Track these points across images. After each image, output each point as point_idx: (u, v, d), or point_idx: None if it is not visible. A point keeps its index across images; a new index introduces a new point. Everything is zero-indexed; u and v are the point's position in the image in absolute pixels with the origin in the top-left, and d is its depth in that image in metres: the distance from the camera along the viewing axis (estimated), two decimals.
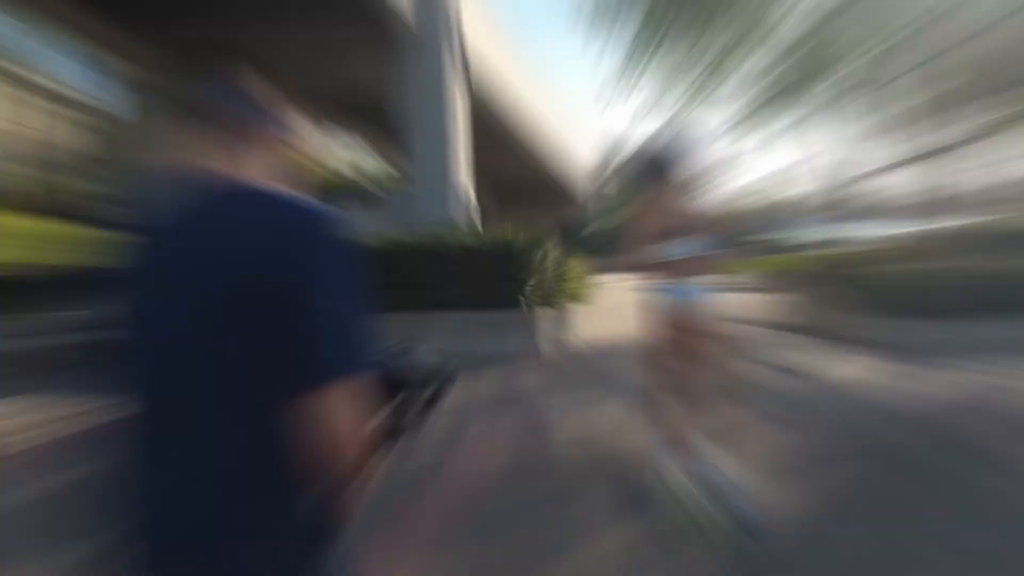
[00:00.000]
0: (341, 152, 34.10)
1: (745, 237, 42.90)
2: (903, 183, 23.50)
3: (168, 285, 1.29)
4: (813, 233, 31.89)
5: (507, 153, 28.72)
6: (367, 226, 14.37)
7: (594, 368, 8.76)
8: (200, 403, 1.24)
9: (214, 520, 1.23)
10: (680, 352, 4.16)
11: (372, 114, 17.86)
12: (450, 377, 1.59)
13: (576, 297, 12.89)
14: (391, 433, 1.48)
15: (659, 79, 14.72)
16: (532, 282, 10.10)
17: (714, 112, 17.27)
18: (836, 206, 29.26)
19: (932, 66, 14.95)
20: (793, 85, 16.17)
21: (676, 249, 4.13)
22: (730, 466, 4.07)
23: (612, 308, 15.09)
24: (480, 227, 11.75)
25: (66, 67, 21.22)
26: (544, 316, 10.30)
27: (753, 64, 15.87)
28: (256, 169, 1.46)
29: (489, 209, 16.76)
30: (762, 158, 48.41)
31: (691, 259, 4.13)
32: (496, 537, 4.04)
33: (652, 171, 4.28)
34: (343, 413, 1.22)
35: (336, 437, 1.22)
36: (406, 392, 1.52)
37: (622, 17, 12.69)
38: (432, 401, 1.55)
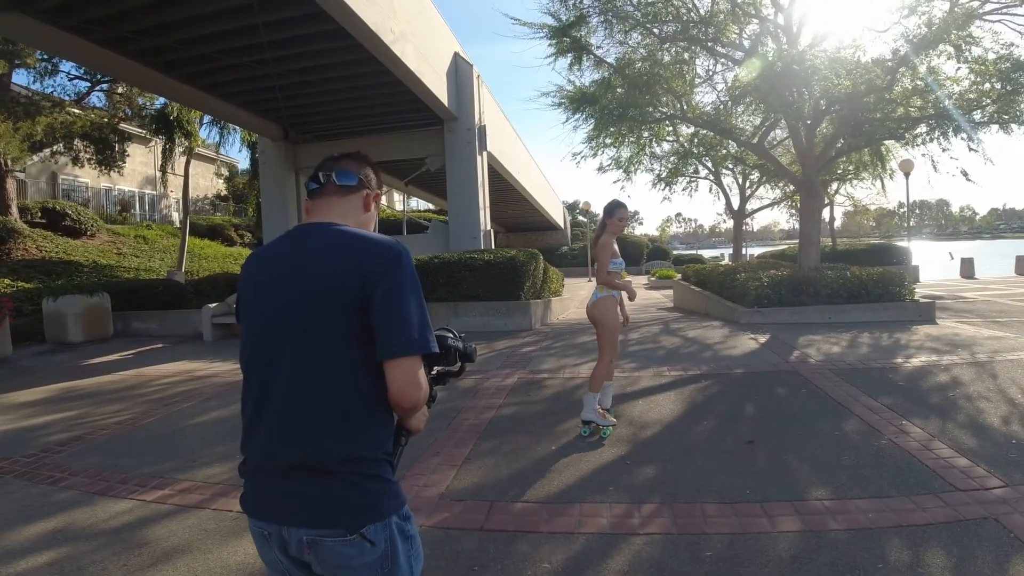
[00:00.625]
0: (409, 200, 34.88)
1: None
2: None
3: (284, 288, 1.31)
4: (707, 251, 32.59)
5: (510, 199, 29.62)
6: (422, 247, 15.39)
7: (563, 334, 9.56)
8: (318, 361, 1.25)
9: (335, 429, 1.25)
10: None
11: (426, 175, 18.62)
12: (470, 356, 1.55)
13: (555, 292, 13.52)
14: (434, 387, 1.45)
15: (611, 150, 14.72)
16: (528, 284, 10.67)
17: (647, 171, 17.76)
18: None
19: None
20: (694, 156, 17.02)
21: (617, 264, 4.51)
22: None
23: (574, 299, 16.20)
24: (494, 248, 12.42)
25: (213, 137, 21.41)
26: (535, 305, 10.66)
27: (666, 145, 16.69)
28: (351, 218, 1.44)
29: (500, 237, 17.28)
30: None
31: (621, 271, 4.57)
32: (512, 430, 5.27)
33: (608, 214, 4.60)
34: (407, 375, 1.23)
35: (404, 388, 1.23)
36: (442, 363, 1.49)
37: (583, 110, 13.00)
38: (460, 371, 1.55)
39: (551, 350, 8.17)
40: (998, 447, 3.94)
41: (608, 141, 13.78)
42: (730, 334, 8.67)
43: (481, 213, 15.41)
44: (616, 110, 12.02)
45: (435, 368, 1.48)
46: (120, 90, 18.65)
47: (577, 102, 12.67)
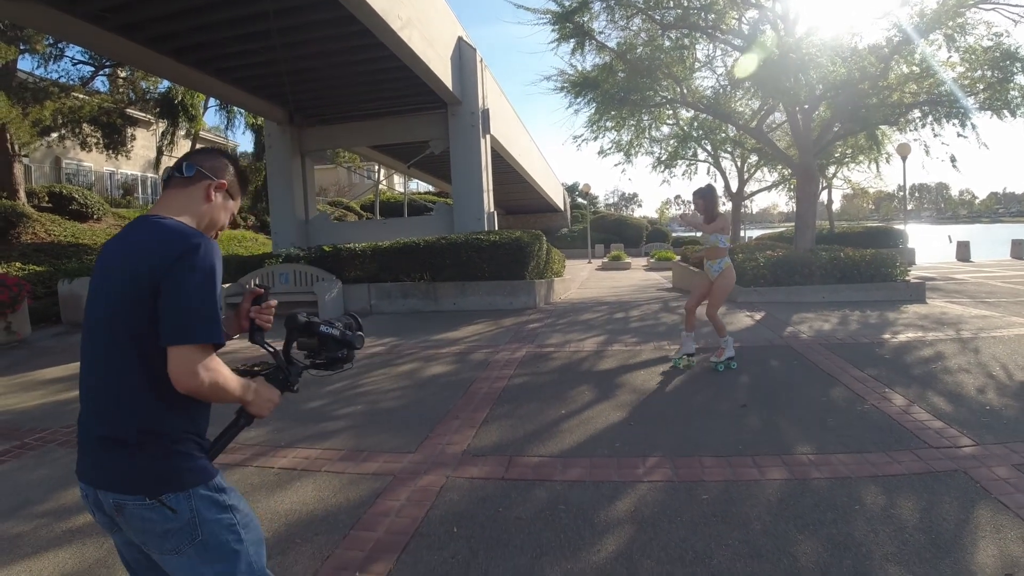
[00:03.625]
0: (410, 182, 35.04)
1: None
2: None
3: (100, 278, 1.41)
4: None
5: (511, 182, 29.76)
6: (428, 229, 15.65)
7: (567, 312, 9.85)
8: (118, 343, 1.35)
9: (125, 407, 1.36)
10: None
11: (428, 158, 18.73)
12: (352, 343, 1.66)
13: (557, 273, 13.83)
14: (302, 372, 1.62)
15: (612, 133, 14.81)
16: (532, 264, 10.88)
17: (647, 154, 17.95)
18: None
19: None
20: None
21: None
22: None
23: (575, 280, 16.54)
24: (499, 230, 12.42)
25: (219, 121, 21.39)
26: (539, 284, 10.88)
27: (666, 129, 16.92)
28: (190, 209, 1.50)
29: (501, 219, 17.49)
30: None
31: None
32: (524, 397, 5.64)
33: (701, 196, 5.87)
34: (181, 362, 1.29)
35: (178, 374, 1.30)
36: (321, 340, 1.63)
37: (585, 94, 13.21)
38: (345, 358, 1.67)
39: (556, 327, 8.52)
40: (972, 412, 4.30)
41: (609, 125, 14.02)
42: (727, 312, 8.98)
43: (485, 195, 15.61)
44: (618, 94, 12.27)
45: (304, 352, 1.65)
46: (123, 74, 18.74)
47: (580, 86, 12.91)
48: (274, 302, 1.68)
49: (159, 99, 18.31)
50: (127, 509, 1.36)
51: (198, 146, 20.55)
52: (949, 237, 32.60)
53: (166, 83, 17.99)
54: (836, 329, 7.42)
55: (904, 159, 20.16)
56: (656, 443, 3.90)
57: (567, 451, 3.81)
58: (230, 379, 1.40)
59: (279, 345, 1.63)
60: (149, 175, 28.19)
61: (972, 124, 9.62)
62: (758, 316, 8.46)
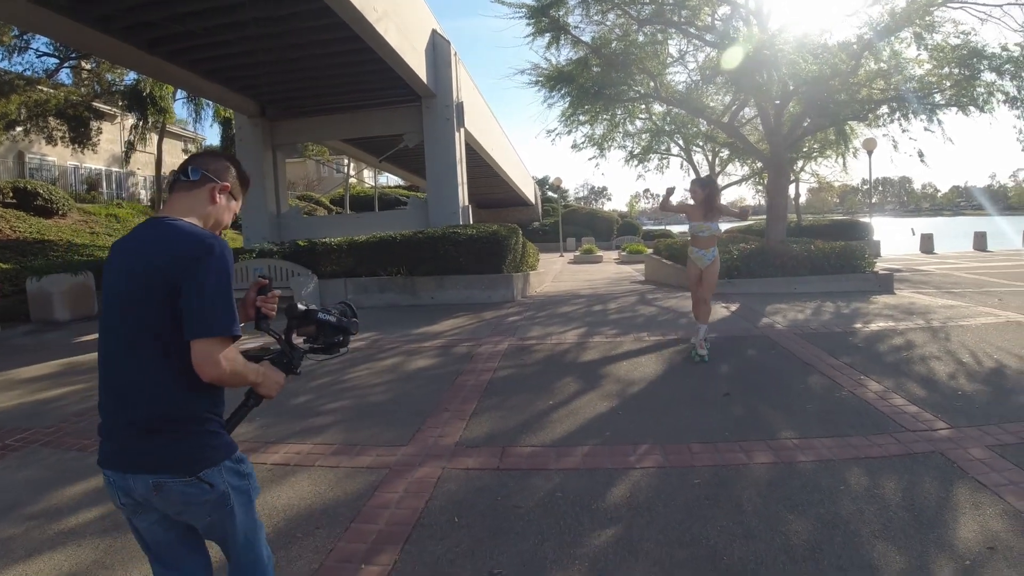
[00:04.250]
0: (380, 176, 34.69)
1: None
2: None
3: (120, 277, 1.52)
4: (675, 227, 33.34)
5: (483, 175, 29.73)
6: (402, 223, 15.55)
7: (545, 305, 9.83)
8: (142, 338, 1.47)
9: (153, 399, 1.47)
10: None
11: (401, 152, 18.58)
12: (347, 329, 1.81)
13: (531, 267, 13.87)
14: (303, 357, 1.76)
15: (585, 127, 14.83)
16: (509, 258, 10.96)
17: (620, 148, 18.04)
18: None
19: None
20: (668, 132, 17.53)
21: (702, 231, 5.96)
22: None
23: (549, 273, 16.64)
24: (474, 224, 12.56)
25: (186, 114, 21.03)
26: (517, 278, 10.96)
27: (639, 123, 17.06)
28: (197, 210, 1.61)
29: (473, 212, 17.45)
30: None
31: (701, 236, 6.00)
32: (511, 388, 5.67)
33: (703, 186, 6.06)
34: (204, 353, 1.41)
35: (201, 364, 1.42)
36: (319, 327, 1.76)
37: (560, 88, 13.27)
38: (342, 342, 1.81)
39: (535, 319, 8.57)
40: (945, 397, 4.48)
41: (583, 119, 14.08)
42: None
43: (459, 189, 15.57)
44: (592, 88, 12.33)
45: (303, 338, 1.79)
46: (88, 67, 18.21)
47: (554, 80, 12.94)
48: (278, 292, 1.80)
49: (126, 92, 17.81)
50: (166, 487, 1.48)
51: (166, 140, 20.11)
52: (912, 230, 33.58)
53: (132, 75, 17.50)
54: (810, 319, 7.61)
55: (870, 154, 20.70)
56: (645, 431, 3.98)
57: (559, 440, 3.87)
58: (245, 366, 1.54)
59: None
60: (114, 169, 27.43)
61: (938, 120, 9.92)
62: (733, 307, 8.63)
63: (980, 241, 23.88)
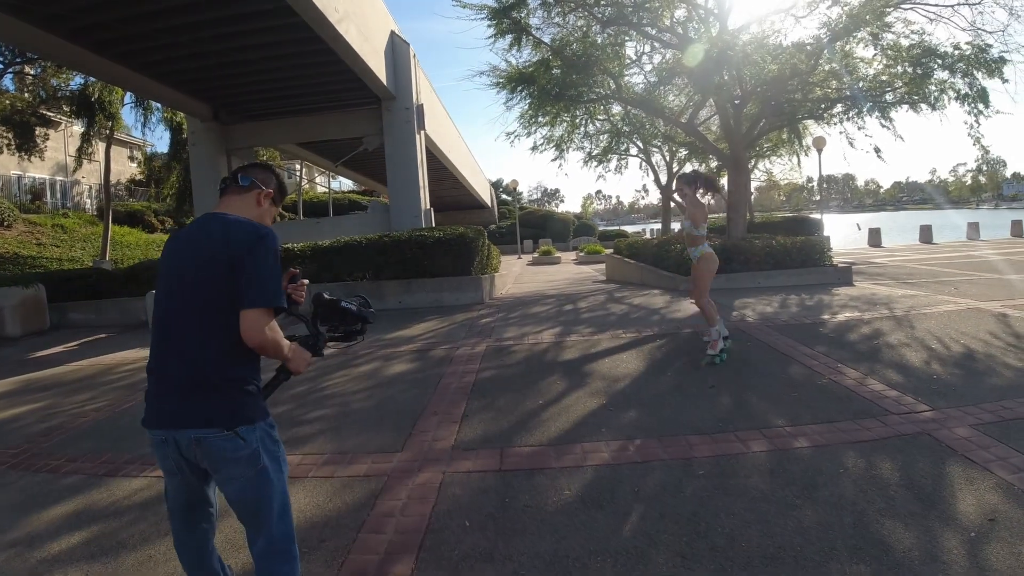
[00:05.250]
0: (333, 180, 34.05)
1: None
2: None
3: (185, 258, 1.80)
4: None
5: (441, 178, 29.54)
6: (362, 227, 15.29)
7: (515, 307, 9.77)
8: (200, 310, 1.73)
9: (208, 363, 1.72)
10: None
11: (358, 156, 18.32)
12: (365, 317, 2.06)
13: (495, 269, 13.79)
14: (327, 343, 2.03)
15: (544, 129, 14.99)
16: (477, 259, 10.92)
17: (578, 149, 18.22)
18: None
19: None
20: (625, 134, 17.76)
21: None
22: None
23: (509, 274, 16.62)
24: (442, 226, 12.48)
25: (135, 119, 20.33)
26: (485, 279, 10.86)
27: (599, 124, 17.26)
28: (247, 210, 1.89)
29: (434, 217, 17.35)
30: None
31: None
32: (497, 389, 5.62)
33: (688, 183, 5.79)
34: (252, 321, 1.69)
35: (249, 330, 1.69)
36: (340, 322, 2.03)
37: (520, 90, 13.32)
38: (361, 329, 2.07)
39: (509, 320, 8.53)
40: (921, 382, 4.64)
41: (543, 120, 14.16)
42: (672, 300, 9.31)
43: (421, 192, 15.42)
44: (553, 90, 12.41)
45: (326, 328, 2.04)
46: (32, 72, 17.36)
47: (515, 82, 12.97)
48: (306, 281, 2.04)
49: (74, 97, 17.00)
50: (206, 441, 1.73)
51: (113, 148, 19.31)
52: (858, 225, 34.87)
53: (79, 80, 16.75)
54: (779, 312, 7.80)
55: (820, 151, 21.39)
56: (639, 425, 3.99)
57: (555, 439, 3.84)
58: (283, 339, 1.81)
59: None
60: (59, 178, 26.15)
61: (890, 118, 10.31)
62: None
63: (926, 234, 24.97)
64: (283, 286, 1.90)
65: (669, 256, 11.45)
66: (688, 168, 23.19)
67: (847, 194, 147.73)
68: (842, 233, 32.70)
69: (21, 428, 4.94)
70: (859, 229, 30.30)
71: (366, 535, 2.76)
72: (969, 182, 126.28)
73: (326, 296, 2.04)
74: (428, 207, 16.02)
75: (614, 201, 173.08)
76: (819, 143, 20.03)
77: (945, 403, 4.10)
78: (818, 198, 35.75)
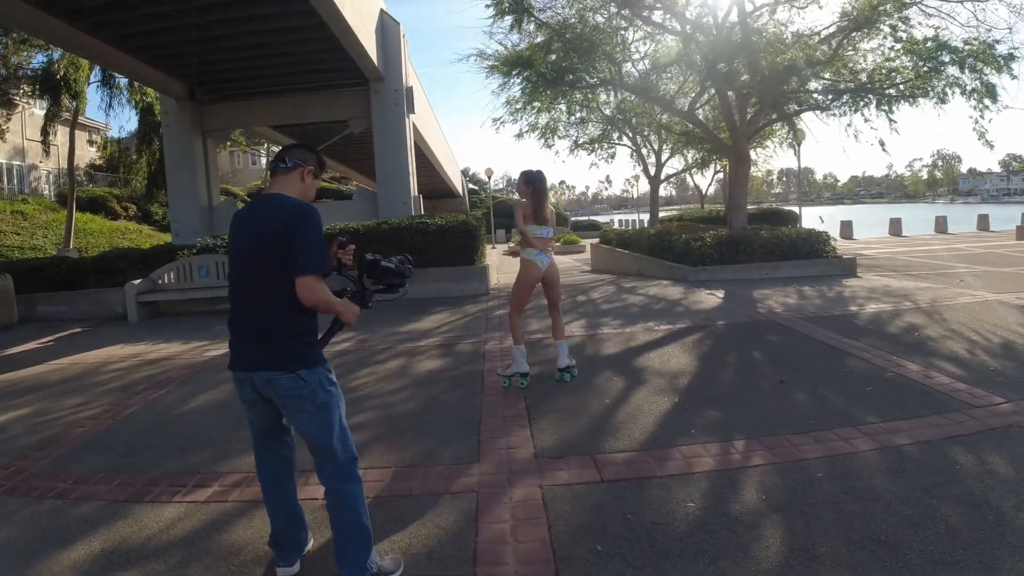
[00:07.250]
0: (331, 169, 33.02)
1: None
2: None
3: (248, 234, 2.17)
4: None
5: (421, 167, 29.05)
6: (348, 215, 14.71)
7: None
8: (262, 278, 2.11)
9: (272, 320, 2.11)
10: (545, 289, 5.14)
11: (341, 143, 17.69)
12: (403, 272, 2.47)
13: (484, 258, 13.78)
14: (373, 295, 2.40)
15: (530, 116, 14.81)
16: (481, 248, 10.63)
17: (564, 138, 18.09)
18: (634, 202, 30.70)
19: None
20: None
21: (540, 231, 4.81)
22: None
23: (492, 266, 16.31)
24: (442, 214, 12.13)
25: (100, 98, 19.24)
26: (488, 269, 10.59)
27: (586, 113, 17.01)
28: (294, 188, 2.25)
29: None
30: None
31: (546, 238, 4.87)
32: (549, 388, 5.29)
33: (528, 182, 4.85)
34: (304, 286, 2.03)
35: (302, 293, 2.04)
36: (382, 272, 2.43)
37: (516, 74, 13.00)
38: (401, 284, 2.48)
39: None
40: (982, 374, 4.54)
41: (537, 105, 13.84)
42: (686, 291, 9.12)
43: (411, 179, 14.90)
44: (550, 74, 12.09)
45: (371, 283, 2.45)
46: None
47: (511, 65, 12.59)
48: (352, 246, 2.46)
49: (37, 75, 15.79)
50: (275, 381, 2.13)
51: (77, 131, 18.14)
52: (821, 218, 35.61)
53: (40, 58, 15.67)
54: (802, 304, 7.70)
55: (799, 145, 21.58)
56: (729, 425, 3.76)
57: (645, 443, 3.57)
58: (332, 298, 2.17)
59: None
60: (15, 163, 24.53)
61: (893, 111, 10.32)
62: (720, 294, 8.64)
63: (896, 227, 25.61)
64: (332, 251, 2.35)
65: (675, 245, 11.27)
66: (676, 161, 23.21)
67: (805, 187, 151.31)
68: (807, 224, 33.19)
69: (9, 440, 4.27)
70: (822, 222, 30.89)
71: (486, 569, 2.39)
72: (925, 177, 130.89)
73: (369, 257, 2.46)
74: (417, 194, 15.54)
75: (577, 192, 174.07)
76: (800, 136, 20.19)
77: (1015, 395, 4.02)
78: (777, 191, 36.24)
